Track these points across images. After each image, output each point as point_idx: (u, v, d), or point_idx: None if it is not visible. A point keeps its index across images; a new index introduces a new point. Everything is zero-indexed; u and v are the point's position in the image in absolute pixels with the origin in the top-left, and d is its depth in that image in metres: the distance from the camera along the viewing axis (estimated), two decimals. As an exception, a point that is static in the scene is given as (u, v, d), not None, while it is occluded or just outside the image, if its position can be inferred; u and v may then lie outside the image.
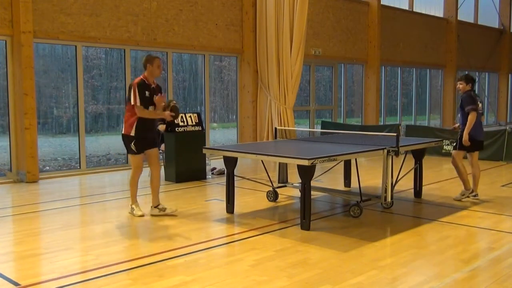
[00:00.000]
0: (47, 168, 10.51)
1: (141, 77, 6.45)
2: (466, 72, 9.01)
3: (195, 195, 8.18)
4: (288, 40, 12.48)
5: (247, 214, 6.79)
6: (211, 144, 12.47)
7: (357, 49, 16.18)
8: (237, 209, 6.91)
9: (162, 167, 8.65)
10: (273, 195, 7.54)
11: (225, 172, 6.93)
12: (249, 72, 12.94)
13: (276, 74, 12.63)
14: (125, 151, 11.00)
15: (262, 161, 7.82)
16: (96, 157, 11.48)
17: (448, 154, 12.05)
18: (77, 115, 10.25)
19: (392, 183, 6.73)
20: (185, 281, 4.36)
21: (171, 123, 9.08)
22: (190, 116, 9.45)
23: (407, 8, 18.52)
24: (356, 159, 6.86)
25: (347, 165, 8.52)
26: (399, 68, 18.39)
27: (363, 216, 6.52)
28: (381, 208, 7.02)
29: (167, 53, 11.48)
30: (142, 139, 6.43)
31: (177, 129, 9.17)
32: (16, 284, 4.34)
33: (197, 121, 9.54)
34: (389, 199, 6.67)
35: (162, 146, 9.14)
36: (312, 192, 6.22)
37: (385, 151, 6.45)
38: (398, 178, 7.22)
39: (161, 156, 8.37)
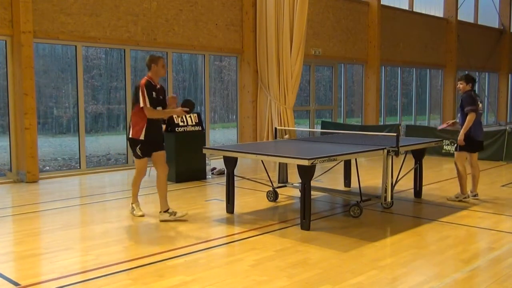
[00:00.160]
0: (47, 168, 10.51)
1: (146, 77, 6.28)
2: (466, 72, 9.00)
3: (195, 195, 8.18)
4: (288, 40, 12.48)
5: (247, 214, 6.79)
6: (211, 144, 12.47)
7: (357, 49, 16.19)
8: (237, 209, 6.90)
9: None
10: (273, 195, 7.54)
11: (225, 172, 6.93)
12: (249, 72, 12.94)
13: (276, 74, 12.63)
14: (125, 151, 11.12)
15: (262, 161, 7.82)
16: (96, 157, 11.48)
17: (448, 154, 12.06)
18: (77, 115, 10.25)
19: (392, 183, 6.73)
20: (185, 281, 4.36)
21: (171, 123, 9.08)
22: (190, 116, 9.44)
23: (407, 8, 18.52)
24: (356, 159, 6.86)
25: (347, 165, 8.52)
26: (399, 68, 18.39)
27: (363, 216, 6.52)
28: (381, 208, 7.02)
29: (167, 53, 11.48)
30: (150, 142, 6.28)
31: (177, 129, 9.18)
32: (16, 284, 4.34)
33: (197, 121, 9.54)
34: (389, 199, 6.67)
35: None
36: (312, 192, 6.22)
37: (385, 151, 6.45)
38: (398, 178, 7.22)
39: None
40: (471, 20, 22.24)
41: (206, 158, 9.64)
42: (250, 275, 4.50)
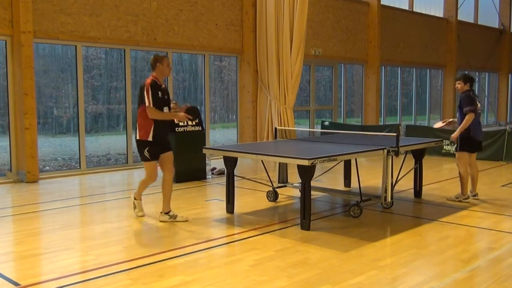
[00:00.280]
0: (47, 168, 10.51)
1: (151, 77, 6.16)
2: (466, 72, 8.99)
3: (195, 195, 8.18)
4: (288, 40, 12.48)
5: (247, 214, 6.79)
6: (211, 144, 12.47)
7: (357, 49, 16.19)
8: (237, 209, 6.90)
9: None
10: (273, 195, 7.54)
11: (225, 172, 6.93)
12: (249, 72, 12.95)
13: (276, 74, 12.63)
14: (125, 151, 11.12)
15: (262, 161, 7.82)
16: (96, 157, 11.48)
17: (448, 154, 12.06)
18: (77, 115, 10.25)
19: (392, 183, 6.73)
20: (185, 281, 4.36)
21: (172, 122, 9.07)
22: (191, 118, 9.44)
23: (407, 8, 18.52)
24: (356, 159, 6.86)
25: (347, 165, 8.51)
26: (399, 68, 18.39)
27: (363, 216, 6.52)
28: (381, 208, 7.02)
29: (167, 53, 11.47)
30: (158, 143, 6.17)
31: (177, 129, 9.17)
32: (16, 284, 4.34)
33: (197, 121, 9.54)
34: (389, 199, 6.67)
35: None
36: (312, 192, 6.22)
37: (385, 151, 6.45)
38: (398, 178, 7.22)
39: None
40: (471, 20, 22.25)
41: (206, 158, 9.63)
42: (250, 275, 4.50)
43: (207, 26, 12.09)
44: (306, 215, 5.90)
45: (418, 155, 7.66)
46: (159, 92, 6.11)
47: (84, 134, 10.33)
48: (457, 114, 7.49)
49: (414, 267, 4.76)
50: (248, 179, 8.45)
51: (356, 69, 16.95)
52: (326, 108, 16.04)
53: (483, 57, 22.07)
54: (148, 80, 6.11)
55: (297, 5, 12.39)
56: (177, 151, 9.07)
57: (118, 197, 8.02)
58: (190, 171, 9.25)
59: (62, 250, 5.25)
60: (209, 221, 6.49)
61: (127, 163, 11.03)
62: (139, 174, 10.29)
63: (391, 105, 18.74)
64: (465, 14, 21.23)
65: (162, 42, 11.18)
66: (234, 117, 13.56)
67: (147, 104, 5.99)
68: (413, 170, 7.69)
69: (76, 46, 10.12)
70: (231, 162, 6.72)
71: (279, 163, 7.59)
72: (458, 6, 20.10)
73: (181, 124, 9.24)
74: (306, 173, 5.82)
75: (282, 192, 7.88)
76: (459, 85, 7.42)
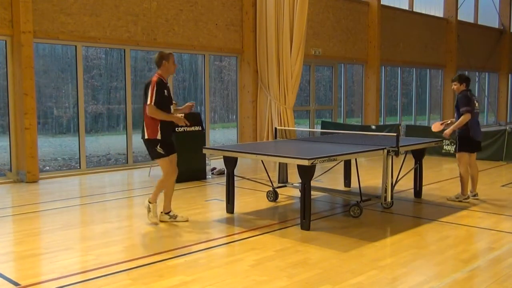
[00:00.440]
0: (47, 168, 10.51)
1: (157, 75, 6.05)
2: (466, 72, 8.99)
3: (195, 195, 8.18)
4: (288, 40, 12.48)
5: (247, 214, 6.79)
6: (211, 144, 12.47)
7: (357, 49, 16.19)
8: (237, 209, 6.90)
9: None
10: (273, 195, 7.54)
11: (225, 172, 6.93)
12: (249, 72, 12.95)
13: (276, 74, 12.63)
14: (125, 151, 11.11)
15: (262, 161, 7.82)
16: (96, 157, 11.48)
17: (448, 154, 12.06)
18: (77, 115, 10.25)
19: (392, 183, 6.73)
20: (185, 281, 4.36)
21: (173, 122, 9.06)
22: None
23: (407, 8, 18.52)
24: (356, 159, 6.86)
25: (347, 165, 8.51)
26: (399, 68, 18.39)
27: (363, 216, 6.52)
28: (381, 208, 7.02)
29: (167, 52, 11.47)
30: (167, 142, 6.12)
31: (177, 129, 9.15)
32: (16, 284, 4.34)
33: (197, 121, 9.53)
34: (389, 199, 6.67)
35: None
36: (312, 192, 6.22)
37: (385, 151, 6.45)
38: (398, 178, 7.22)
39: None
40: (471, 20, 22.25)
41: (206, 158, 9.64)
42: (250, 275, 4.50)
43: (207, 26, 12.09)
44: (306, 215, 5.90)
45: (418, 155, 7.66)
46: (165, 91, 6.04)
47: (84, 134, 10.33)
48: (455, 114, 7.50)
49: (414, 267, 4.76)
50: (248, 179, 8.45)
51: (356, 69, 16.95)
52: (326, 108, 16.04)
53: (483, 57, 22.07)
54: (155, 78, 6.02)
55: (297, 5, 12.39)
56: (177, 151, 9.09)
57: (118, 197, 8.02)
58: (190, 171, 9.24)
59: (62, 250, 5.25)
60: (209, 221, 6.49)
61: (127, 163, 11.03)
62: (139, 174, 10.31)
63: (391, 105, 18.74)
64: (465, 14, 21.24)
65: (162, 42, 11.18)
66: (234, 117, 13.56)
67: (148, 101, 5.89)
68: (413, 170, 7.69)
69: (76, 46, 10.12)
70: (231, 162, 6.71)
71: (279, 163, 7.59)
72: (458, 6, 20.10)
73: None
74: (306, 173, 5.82)
75: (282, 192, 7.88)
76: (455, 86, 7.42)
